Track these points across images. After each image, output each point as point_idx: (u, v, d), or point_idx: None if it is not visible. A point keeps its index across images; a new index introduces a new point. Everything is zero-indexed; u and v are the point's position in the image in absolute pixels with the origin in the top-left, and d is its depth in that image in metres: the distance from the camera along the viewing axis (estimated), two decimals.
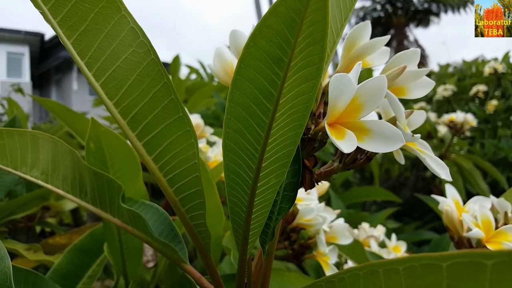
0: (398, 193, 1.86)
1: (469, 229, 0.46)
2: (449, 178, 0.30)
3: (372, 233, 0.90)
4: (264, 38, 0.21)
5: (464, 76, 3.20)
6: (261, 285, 0.33)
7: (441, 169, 0.30)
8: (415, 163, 1.85)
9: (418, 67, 0.34)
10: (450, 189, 0.53)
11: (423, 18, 17.55)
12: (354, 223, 1.14)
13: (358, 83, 0.27)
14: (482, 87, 2.58)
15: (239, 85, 0.23)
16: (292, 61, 0.21)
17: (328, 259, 0.53)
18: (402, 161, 0.37)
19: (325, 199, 1.34)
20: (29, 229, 0.86)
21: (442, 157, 1.71)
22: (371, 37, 0.35)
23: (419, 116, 0.36)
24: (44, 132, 0.40)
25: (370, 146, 0.26)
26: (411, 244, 1.47)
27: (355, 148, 0.25)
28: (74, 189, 0.40)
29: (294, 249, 0.56)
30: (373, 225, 1.07)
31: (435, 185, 1.86)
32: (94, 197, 0.39)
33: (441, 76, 3.48)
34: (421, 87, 0.33)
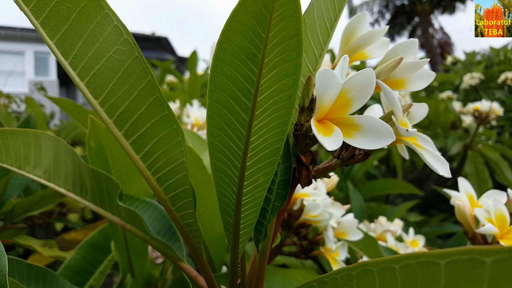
0: (424, 184, 1.81)
1: (484, 225, 0.44)
2: (448, 175, 0.29)
3: (388, 227, 0.87)
4: (236, 34, 0.20)
5: (491, 63, 3.09)
6: (256, 284, 0.32)
7: (440, 165, 0.29)
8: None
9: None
10: (463, 183, 0.51)
11: (448, 5, 16.97)
12: (374, 217, 1.11)
13: None
14: (510, 74, 2.49)
15: (217, 82, 0.23)
16: (266, 56, 0.20)
17: (336, 255, 0.52)
18: (406, 155, 0.36)
19: (345, 192, 1.32)
20: (48, 225, 0.88)
21: (467, 147, 1.66)
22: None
23: (421, 109, 0.34)
24: (48, 131, 0.40)
25: (359, 142, 0.25)
26: (436, 237, 1.43)
27: (339, 145, 0.23)
28: (75, 187, 0.40)
29: (302, 245, 0.55)
30: (392, 218, 1.05)
31: (461, 176, 1.80)
32: (94, 195, 0.39)
33: (467, 64, 3.37)
34: (421, 78, 0.32)
